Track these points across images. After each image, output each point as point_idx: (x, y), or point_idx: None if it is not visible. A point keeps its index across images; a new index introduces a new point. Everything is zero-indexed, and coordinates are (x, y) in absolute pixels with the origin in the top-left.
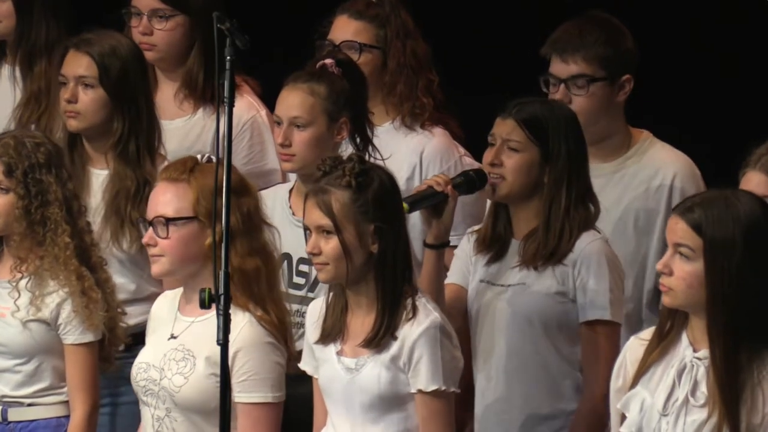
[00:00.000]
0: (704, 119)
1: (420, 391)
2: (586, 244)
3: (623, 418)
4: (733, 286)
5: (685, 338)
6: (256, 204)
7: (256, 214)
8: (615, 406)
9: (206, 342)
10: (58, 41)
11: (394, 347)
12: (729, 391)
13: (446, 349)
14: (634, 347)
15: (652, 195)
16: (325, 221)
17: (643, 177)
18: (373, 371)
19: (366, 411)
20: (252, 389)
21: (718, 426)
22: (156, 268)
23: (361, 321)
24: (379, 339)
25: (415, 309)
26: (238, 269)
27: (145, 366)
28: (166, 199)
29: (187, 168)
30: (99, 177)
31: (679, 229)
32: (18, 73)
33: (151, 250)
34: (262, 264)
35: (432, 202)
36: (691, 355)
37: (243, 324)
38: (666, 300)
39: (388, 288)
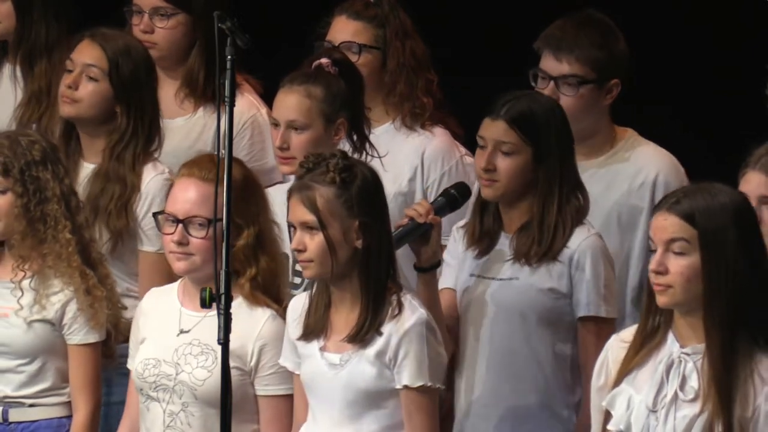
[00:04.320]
0: (703, 118)
1: (406, 387)
2: (581, 239)
3: (606, 416)
4: (730, 274)
5: (670, 335)
6: (269, 203)
7: (271, 214)
8: (597, 404)
9: None
10: (59, 41)
11: (380, 343)
12: (724, 383)
13: (432, 345)
14: (615, 347)
15: (636, 192)
16: (310, 217)
17: (626, 174)
18: (357, 367)
19: (349, 406)
20: (280, 382)
21: (711, 419)
22: (184, 265)
23: (345, 317)
24: (364, 334)
25: (400, 305)
26: (267, 269)
27: (154, 361)
28: (201, 199)
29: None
30: (86, 170)
31: (671, 224)
32: (19, 73)
33: (181, 248)
34: (284, 263)
35: (416, 235)
36: (678, 350)
37: (266, 318)
38: (663, 300)
39: (372, 283)
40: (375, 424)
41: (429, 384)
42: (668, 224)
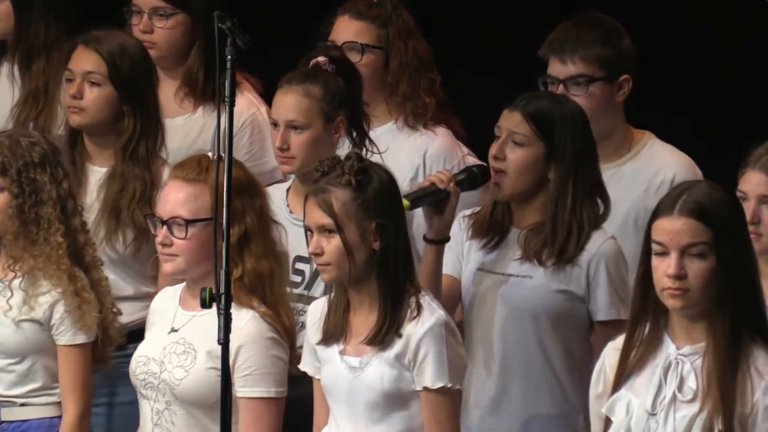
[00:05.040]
0: (703, 118)
1: (426, 389)
2: (599, 244)
3: (606, 423)
4: (740, 270)
5: (666, 338)
6: (267, 203)
7: (267, 213)
8: (596, 411)
9: (208, 336)
10: (57, 40)
11: (399, 345)
12: (726, 381)
13: (451, 346)
14: (611, 354)
15: (653, 194)
16: (327, 221)
17: (643, 177)
18: (377, 369)
19: (370, 409)
20: (254, 384)
21: (711, 417)
22: (170, 267)
23: (364, 319)
24: (383, 336)
25: (419, 307)
26: (252, 271)
27: (144, 359)
28: (184, 199)
29: (203, 168)
30: (97, 174)
31: (689, 228)
32: (17, 72)
33: (166, 249)
34: (275, 264)
35: (434, 199)
36: (674, 352)
37: (246, 320)
38: (678, 303)
39: (390, 285)
40: (397, 427)
41: (449, 385)
42: (686, 228)
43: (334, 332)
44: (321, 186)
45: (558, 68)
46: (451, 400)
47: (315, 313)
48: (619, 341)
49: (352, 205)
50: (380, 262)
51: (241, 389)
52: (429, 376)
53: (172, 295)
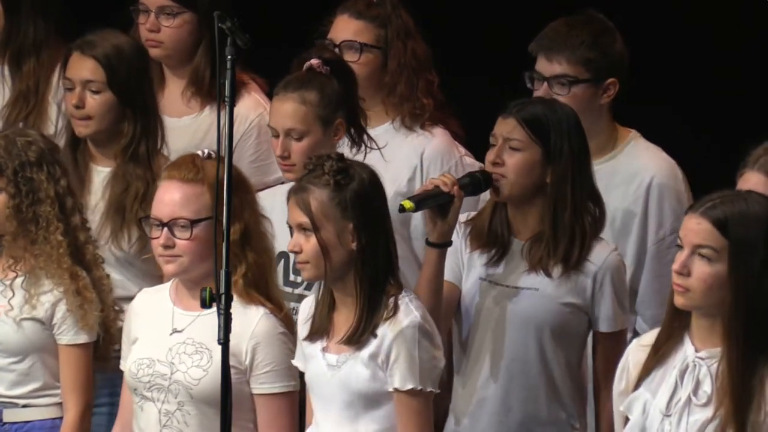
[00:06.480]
0: (703, 118)
1: (396, 390)
2: (605, 256)
3: (626, 420)
4: (756, 287)
5: (687, 339)
6: (255, 197)
7: (258, 208)
8: (618, 408)
9: None
10: (46, 40)
11: (373, 345)
12: (740, 390)
13: (424, 348)
14: (635, 351)
15: (631, 196)
16: (304, 219)
17: (622, 178)
18: (353, 368)
19: (346, 408)
20: (275, 380)
21: (723, 424)
22: (173, 267)
23: (345, 318)
24: (359, 336)
25: (396, 308)
26: (254, 265)
27: (148, 361)
28: (184, 200)
29: (199, 167)
30: (101, 174)
31: (703, 230)
32: (7, 72)
33: (168, 251)
34: (272, 257)
35: (438, 201)
36: (693, 355)
37: (259, 317)
38: (680, 301)
39: (367, 286)
40: (372, 426)
41: (419, 387)
42: (700, 229)
43: (318, 329)
44: (302, 185)
45: (544, 66)
46: (421, 402)
47: (305, 310)
48: (645, 338)
49: (329, 205)
50: (358, 262)
51: (261, 386)
52: (399, 377)
53: (160, 297)
